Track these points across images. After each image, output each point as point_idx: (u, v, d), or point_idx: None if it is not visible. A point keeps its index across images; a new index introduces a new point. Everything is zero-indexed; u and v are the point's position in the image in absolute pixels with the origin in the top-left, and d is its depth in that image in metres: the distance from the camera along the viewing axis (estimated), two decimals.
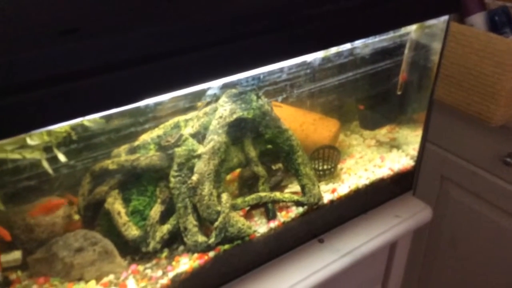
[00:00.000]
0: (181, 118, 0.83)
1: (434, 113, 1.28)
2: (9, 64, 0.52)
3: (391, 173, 1.01)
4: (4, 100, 0.51)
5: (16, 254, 0.74)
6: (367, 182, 0.97)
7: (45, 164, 0.71)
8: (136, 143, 0.81)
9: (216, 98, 0.80)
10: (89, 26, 0.59)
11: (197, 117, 0.83)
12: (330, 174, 0.99)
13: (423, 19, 0.88)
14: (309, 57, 0.81)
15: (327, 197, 0.92)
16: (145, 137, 0.82)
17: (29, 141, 0.65)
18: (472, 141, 1.22)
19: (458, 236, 1.35)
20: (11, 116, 0.52)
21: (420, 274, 1.48)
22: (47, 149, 0.71)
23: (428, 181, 1.36)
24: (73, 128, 0.69)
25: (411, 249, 1.40)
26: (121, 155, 0.81)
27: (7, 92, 0.52)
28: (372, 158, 1.04)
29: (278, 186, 0.93)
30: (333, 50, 0.83)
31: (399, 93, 0.99)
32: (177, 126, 0.83)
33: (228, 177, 0.94)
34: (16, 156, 0.71)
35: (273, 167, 0.94)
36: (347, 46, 0.84)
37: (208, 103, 0.83)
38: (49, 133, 0.67)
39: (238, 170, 0.93)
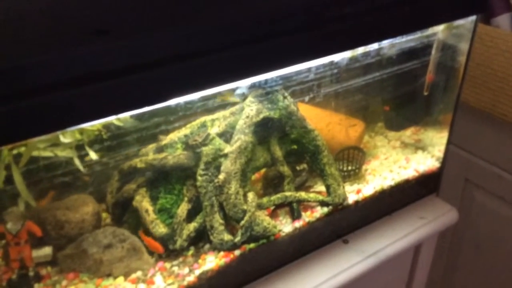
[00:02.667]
0: (207, 118, 0.84)
1: (458, 115, 1.27)
2: (45, 63, 0.53)
3: (416, 174, 1.00)
4: (40, 97, 0.52)
5: (47, 250, 0.75)
6: (392, 183, 0.97)
7: (77, 162, 0.72)
8: (164, 142, 0.83)
9: (244, 97, 0.80)
10: (120, 27, 0.61)
11: (224, 117, 0.84)
12: (354, 175, 0.98)
13: (450, 19, 0.87)
14: (335, 57, 0.82)
15: (351, 198, 0.92)
16: (172, 137, 0.83)
17: (62, 139, 0.66)
18: (497, 144, 1.20)
19: (482, 241, 1.32)
20: (47, 113, 0.53)
21: (443, 279, 1.46)
22: (78, 147, 0.73)
23: (452, 184, 1.34)
24: (104, 126, 0.70)
25: (434, 254, 1.38)
26: (149, 154, 0.82)
27: (43, 90, 0.53)
28: (397, 160, 1.03)
29: (302, 187, 0.94)
30: (360, 50, 0.83)
31: (425, 93, 0.98)
32: (203, 125, 0.83)
33: (253, 177, 0.95)
34: (48, 154, 0.73)
35: (298, 168, 0.95)
36: (373, 46, 0.84)
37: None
38: (81, 131, 0.69)
39: (262, 171, 0.94)
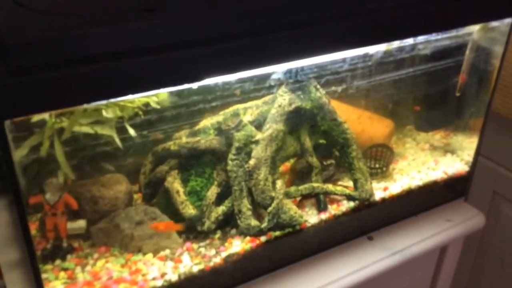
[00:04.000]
0: (240, 106, 0.86)
1: (488, 126, 1.25)
2: (96, 36, 0.57)
3: (444, 176, 1.00)
4: (91, 67, 0.56)
5: (81, 223, 0.78)
6: (420, 183, 0.97)
7: (117, 140, 0.75)
8: (197, 127, 0.85)
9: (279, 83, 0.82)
10: (166, 6, 0.64)
11: (256, 106, 0.86)
12: (382, 173, 0.99)
13: (485, 20, 0.88)
14: (366, 59, 0.83)
15: (378, 195, 0.93)
16: (206, 123, 0.86)
17: (105, 114, 0.70)
18: None
19: (507, 254, 1.30)
20: (95, 81, 0.56)
21: None
22: (118, 125, 0.76)
23: (479, 196, 1.32)
24: (143, 104, 0.73)
25: (458, 265, 1.36)
26: (182, 138, 0.84)
27: (94, 59, 0.56)
28: (426, 161, 1.03)
29: (329, 181, 0.95)
30: (395, 44, 0.84)
31: (458, 94, 0.99)
32: (236, 113, 0.86)
33: (281, 169, 0.97)
34: (89, 130, 0.76)
35: (325, 163, 0.96)
36: (406, 45, 0.85)
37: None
38: (121, 108, 0.72)
39: (290, 163, 0.96)
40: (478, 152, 1.15)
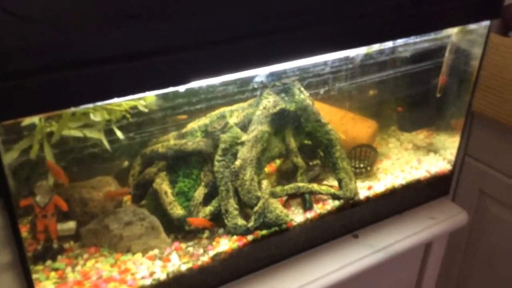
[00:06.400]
0: (226, 109, 0.88)
1: (474, 126, 1.28)
2: (82, 42, 0.59)
3: (427, 175, 1.03)
4: (76, 71, 0.58)
5: (71, 224, 0.80)
6: (403, 182, 1.00)
7: (105, 143, 0.77)
8: (184, 130, 0.87)
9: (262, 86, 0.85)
10: (150, 13, 0.66)
11: (242, 108, 0.88)
12: (366, 173, 1.01)
13: (464, 22, 0.91)
14: (348, 62, 0.86)
15: (363, 194, 0.95)
16: (193, 125, 0.88)
17: (93, 117, 0.72)
18: None
19: (495, 252, 1.32)
20: (81, 86, 0.58)
21: None
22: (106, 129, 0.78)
23: (467, 196, 1.34)
24: (131, 107, 0.75)
25: (446, 265, 1.38)
26: (170, 141, 0.86)
27: (77, 65, 0.58)
28: (409, 160, 1.06)
29: (315, 180, 0.97)
30: (375, 47, 0.86)
31: (438, 95, 1.01)
32: (222, 116, 0.88)
33: (267, 170, 0.99)
34: (78, 134, 0.78)
35: (311, 163, 0.98)
36: (388, 45, 0.88)
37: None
38: (109, 112, 0.74)
39: (277, 164, 0.98)
40: (462, 152, 1.17)
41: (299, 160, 0.90)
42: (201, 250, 0.81)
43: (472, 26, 0.95)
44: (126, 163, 0.88)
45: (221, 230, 0.85)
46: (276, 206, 0.85)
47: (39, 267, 0.76)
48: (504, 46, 1.12)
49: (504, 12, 1.15)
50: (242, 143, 0.83)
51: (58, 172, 0.76)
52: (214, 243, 0.83)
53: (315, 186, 0.91)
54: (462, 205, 1.07)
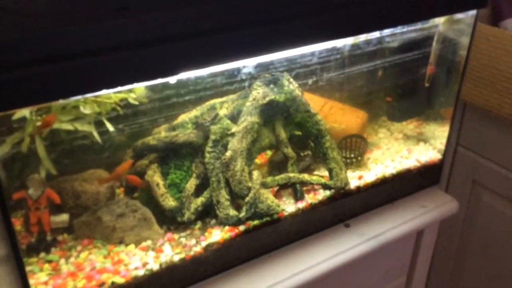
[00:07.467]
0: (217, 101, 0.89)
1: (466, 116, 1.29)
2: (72, 34, 0.59)
3: (418, 164, 1.04)
4: (65, 64, 0.58)
5: (64, 217, 0.81)
6: (393, 171, 1.01)
7: (96, 136, 0.78)
8: (175, 122, 0.88)
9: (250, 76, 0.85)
10: (139, 4, 0.67)
11: (232, 100, 0.89)
12: (357, 162, 1.02)
13: (450, 12, 0.91)
14: (335, 52, 0.87)
15: (354, 183, 0.96)
16: (184, 117, 0.88)
17: (83, 109, 0.72)
18: (505, 145, 1.21)
19: (489, 242, 1.33)
20: (71, 77, 0.59)
21: (450, 280, 1.47)
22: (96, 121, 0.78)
23: (460, 186, 1.35)
24: (120, 100, 0.76)
25: (440, 254, 1.39)
26: (161, 133, 0.87)
27: (67, 57, 0.59)
28: (399, 150, 1.07)
29: (306, 171, 0.98)
30: (362, 38, 0.87)
31: (426, 85, 1.03)
32: (213, 108, 0.89)
33: (259, 161, 1.00)
34: (69, 127, 0.78)
35: (302, 154, 0.99)
36: (375, 35, 0.88)
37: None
38: (99, 104, 0.75)
39: (268, 155, 0.99)
40: (454, 142, 1.17)
41: (289, 151, 0.91)
42: (193, 241, 0.82)
43: (459, 16, 0.96)
44: (119, 155, 0.88)
45: (213, 221, 0.86)
46: (268, 196, 0.86)
47: (33, 259, 0.77)
48: (494, 36, 1.13)
49: (494, 2, 1.17)
50: (233, 134, 0.84)
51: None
52: (206, 233, 0.84)
53: (305, 176, 0.92)
54: (455, 195, 1.08)
